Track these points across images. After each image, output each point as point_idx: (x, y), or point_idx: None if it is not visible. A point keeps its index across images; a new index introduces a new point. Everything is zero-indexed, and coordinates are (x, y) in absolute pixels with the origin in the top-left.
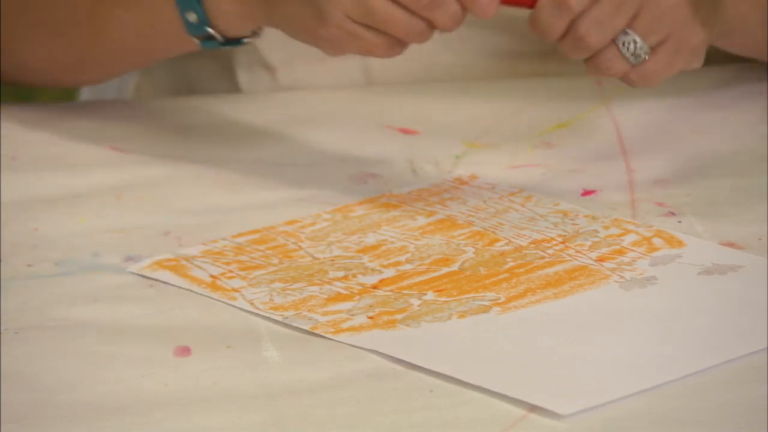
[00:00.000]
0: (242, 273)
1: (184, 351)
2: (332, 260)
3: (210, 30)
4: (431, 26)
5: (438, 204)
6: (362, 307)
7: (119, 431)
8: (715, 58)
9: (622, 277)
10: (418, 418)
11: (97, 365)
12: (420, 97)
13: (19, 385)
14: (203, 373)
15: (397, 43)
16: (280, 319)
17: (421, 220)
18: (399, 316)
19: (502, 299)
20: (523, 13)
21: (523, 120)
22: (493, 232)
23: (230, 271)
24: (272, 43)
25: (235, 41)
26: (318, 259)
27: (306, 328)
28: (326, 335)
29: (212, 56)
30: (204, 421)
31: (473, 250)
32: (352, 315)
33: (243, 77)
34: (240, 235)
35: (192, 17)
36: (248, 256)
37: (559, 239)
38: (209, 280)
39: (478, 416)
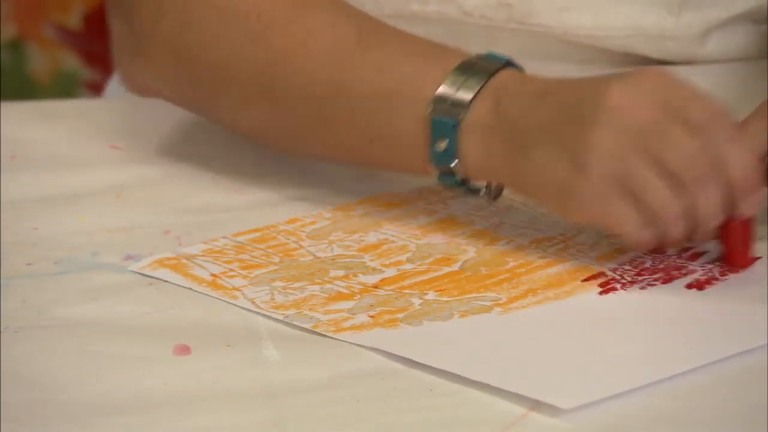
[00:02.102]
0: (243, 272)
1: (184, 350)
2: (333, 259)
3: (455, 165)
4: (691, 217)
5: (439, 203)
6: (363, 306)
7: (119, 431)
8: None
9: (622, 277)
10: (418, 417)
11: (96, 364)
12: None
13: (18, 385)
14: (203, 372)
15: (649, 224)
16: (281, 318)
17: (423, 219)
18: (400, 315)
19: (504, 300)
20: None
21: None
22: (494, 231)
23: (231, 270)
24: None
25: (474, 189)
26: (319, 258)
27: (307, 326)
28: (327, 334)
29: None
30: (204, 421)
31: (474, 249)
32: (353, 314)
33: None
34: (241, 233)
35: (441, 146)
36: (249, 255)
37: (560, 238)
38: (210, 278)
39: (478, 415)
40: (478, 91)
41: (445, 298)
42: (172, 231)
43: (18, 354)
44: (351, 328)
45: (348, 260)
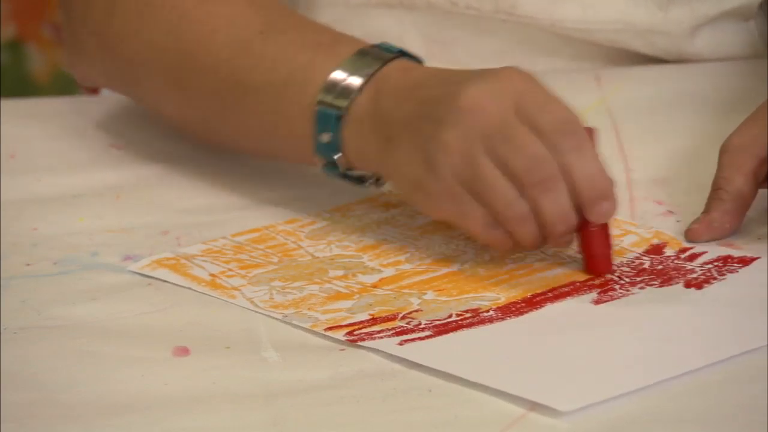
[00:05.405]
0: (242, 272)
1: (183, 351)
2: (332, 259)
3: (337, 157)
4: (534, 219)
5: None
6: (362, 306)
7: (119, 431)
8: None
9: (621, 278)
10: (418, 417)
11: (96, 365)
12: None
13: (18, 385)
14: (203, 372)
15: (493, 224)
16: (279, 317)
17: (421, 220)
18: (399, 314)
19: (502, 300)
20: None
21: None
22: None
23: (230, 270)
24: None
25: (358, 179)
26: (318, 258)
27: (306, 326)
28: (326, 333)
29: None
30: (204, 421)
31: (473, 250)
32: (353, 313)
33: None
34: (240, 233)
35: (325, 138)
36: (248, 255)
37: None
38: (209, 278)
39: (477, 415)
40: (367, 79)
41: (443, 298)
42: (171, 231)
43: (18, 354)
44: (349, 326)
45: (347, 260)
